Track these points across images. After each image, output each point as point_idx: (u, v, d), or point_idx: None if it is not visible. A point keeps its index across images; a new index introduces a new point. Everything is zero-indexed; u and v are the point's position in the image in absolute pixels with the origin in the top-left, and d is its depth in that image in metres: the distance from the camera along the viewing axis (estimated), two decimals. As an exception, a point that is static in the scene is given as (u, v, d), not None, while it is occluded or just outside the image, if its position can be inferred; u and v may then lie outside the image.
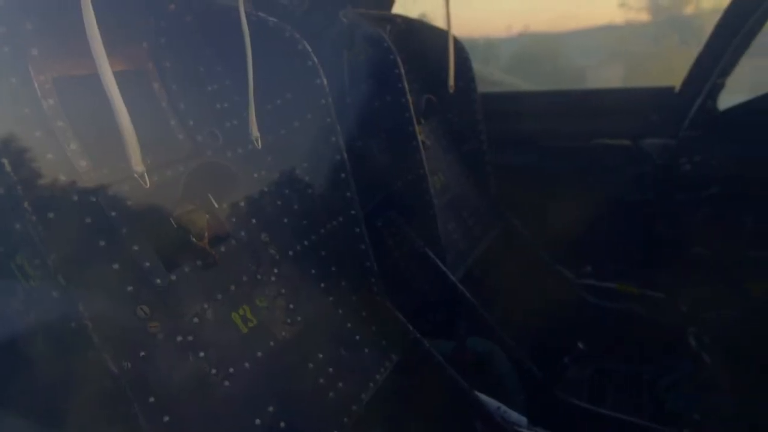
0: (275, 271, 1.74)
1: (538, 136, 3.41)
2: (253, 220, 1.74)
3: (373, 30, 2.33)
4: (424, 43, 2.98)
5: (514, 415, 2.01)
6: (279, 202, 1.87)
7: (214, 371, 1.42)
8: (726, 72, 2.79)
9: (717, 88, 2.84)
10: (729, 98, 2.97)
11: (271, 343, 1.60)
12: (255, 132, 1.65)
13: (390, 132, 2.47)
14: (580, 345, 2.26)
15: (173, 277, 1.43)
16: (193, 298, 1.47)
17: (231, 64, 1.79)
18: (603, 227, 3.12)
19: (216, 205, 1.60)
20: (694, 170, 2.89)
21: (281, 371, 1.58)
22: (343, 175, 1.88)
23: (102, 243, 1.31)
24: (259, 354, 1.55)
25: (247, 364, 1.50)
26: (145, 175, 1.34)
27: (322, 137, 1.85)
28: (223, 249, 1.60)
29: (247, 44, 1.58)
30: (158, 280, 1.39)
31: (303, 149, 1.88)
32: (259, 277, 1.68)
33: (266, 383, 1.52)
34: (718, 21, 2.75)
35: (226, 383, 1.43)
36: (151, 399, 1.24)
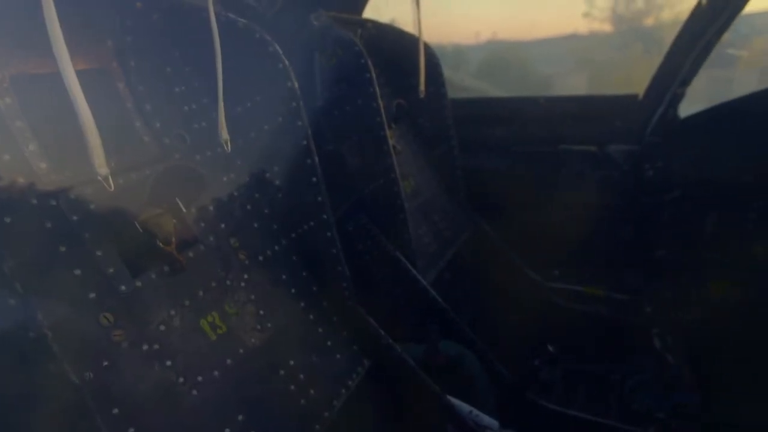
0: (245, 276, 1.70)
1: (508, 141, 3.46)
2: (222, 225, 1.71)
3: (345, 33, 2.32)
4: (395, 47, 2.98)
5: (486, 419, 2.02)
6: (249, 207, 1.83)
7: (181, 380, 1.38)
8: (686, 82, 2.88)
9: (678, 97, 2.93)
10: (689, 107, 3.07)
11: (241, 350, 1.57)
12: (224, 135, 1.62)
13: (361, 136, 2.46)
14: (550, 348, 2.28)
15: (138, 284, 1.39)
16: (159, 304, 1.43)
17: (199, 65, 1.76)
18: (570, 231, 3.18)
19: (184, 209, 1.55)
20: (657, 175, 2.97)
21: (251, 379, 1.55)
22: (314, 179, 1.86)
23: (63, 248, 1.26)
24: (229, 361, 1.52)
25: (216, 372, 1.46)
26: (109, 177, 1.30)
27: (293, 140, 1.83)
28: (191, 254, 1.56)
29: (216, 45, 1.54)
30: (123, 287, 1.34)
31: (273, 152, 1.85)
32: (228, 282, 1.64)
33: (236, 391, 1.48)
34: (678, 32, 2.84)
35: (194, 392, 1.39)
36: (115, 410, 1.19)
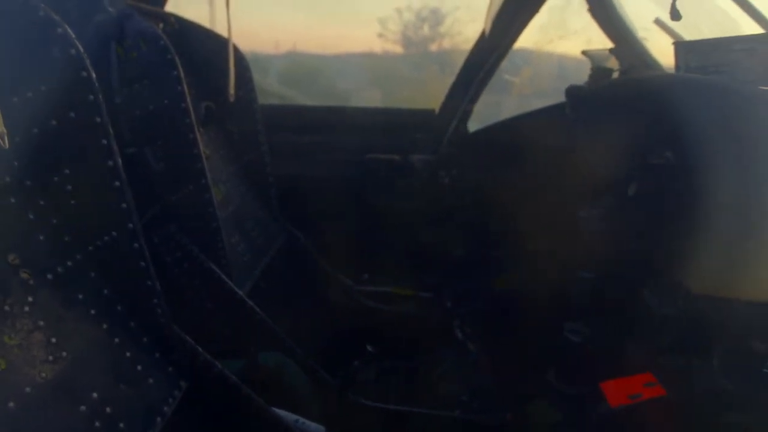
0: (29, 299, 1.42)
1: (317, 149, 3.53)
2: (-4, 238, 1.40)
3: (148, 25, 2.11)
4: (201, 47, 2.82)
5: (312, 426, 2.02)
6: (32, 216, 1.54)
7: (-57, 436, 1.09)
8: (474, 99, 3.30)
9: (467, 114, 3.35)
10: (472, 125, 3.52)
11: (28, 389, 1.30)
12: (0, 128, 1.33)
13: (168, 139, 2.27)
14: (369, 348, 2.38)
15: None
16: None
17: (-40, 43, 1.42)
18: (377, 236, 3.37)
19: None
20: (452, 182, 3.34)
21: (43, 421, 1.30)
22: (117, 183, 1.64)
23: None
24: (11, 404, 1.24)
25: None
26: None
27: (89, 139, 1.59)
28: (-48, 276, 1.25)
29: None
30: None
31: (64, 153, 1.58)
32: (6, 308, 1.35)
33: (24, 439, 1.23)
34: (466, 57, 3.25)
35: None
36: None
